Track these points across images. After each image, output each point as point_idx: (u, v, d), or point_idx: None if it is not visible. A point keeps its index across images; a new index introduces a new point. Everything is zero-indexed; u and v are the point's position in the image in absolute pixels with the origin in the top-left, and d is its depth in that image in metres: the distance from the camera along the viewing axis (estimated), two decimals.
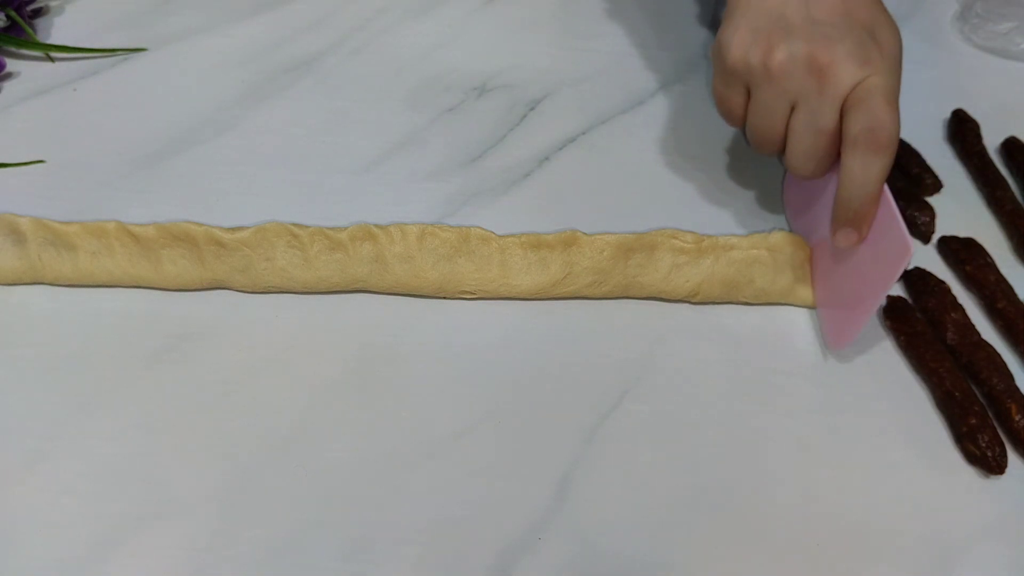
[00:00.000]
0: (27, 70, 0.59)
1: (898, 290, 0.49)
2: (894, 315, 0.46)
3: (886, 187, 0.42)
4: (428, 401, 0.43)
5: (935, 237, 0.52)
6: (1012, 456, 0.42)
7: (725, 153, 0.56)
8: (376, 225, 0.46)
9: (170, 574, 0.37)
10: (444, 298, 0.47)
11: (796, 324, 0.47)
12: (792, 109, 0.43)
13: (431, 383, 0.44)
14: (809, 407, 0.44)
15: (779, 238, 0.47)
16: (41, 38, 0.61)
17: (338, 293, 0.47)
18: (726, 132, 0.58)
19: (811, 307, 0.48)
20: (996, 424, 0.42)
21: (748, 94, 0.45)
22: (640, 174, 0.54)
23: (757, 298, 0.47)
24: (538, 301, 0.47)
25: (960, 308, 0.47)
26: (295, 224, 0.46)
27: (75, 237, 0.45)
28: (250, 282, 0.46)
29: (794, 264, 0.47)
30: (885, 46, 0.42)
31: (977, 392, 0.44)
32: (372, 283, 0.46)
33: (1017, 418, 0.42)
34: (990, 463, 0.41)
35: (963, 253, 0.50)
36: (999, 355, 0.45)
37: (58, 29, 0.63)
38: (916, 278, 0.48)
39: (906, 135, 0.56)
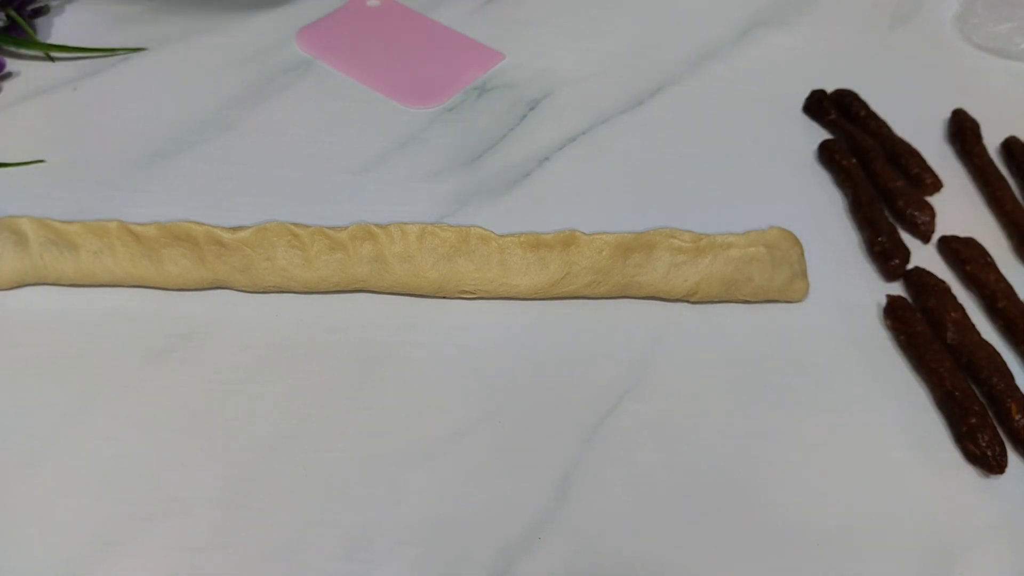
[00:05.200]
0: (27, 70, 0.59)
1: (898, 290, 0.49)
2: (894, 315, 0.46)
3: None
4: (428, 401, 0.43)
5: (935, 237, 0.52)
6: (1012, 456, 0.42)
7: (724, 153, 0.56)
8: (376, 225, 0.46)
9: (170, 574, 0.37)
10: (444, 298, 0.47)
11: (796, 324, 0.47)
12: None
13: (431, 383, 0.44)
14: (809, 407, 0.44)
15: (775, 235, 0.47)
16: (41, 38, 0.61)
17: (338, 293, 0.47)
18: (725, 132, 0.58)
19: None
20: (996, 424, 0.42)
21: None
22: (640, 174, 0.54)
23: (755, 295, 0.47)
24: (537, 301, 0.47)
25: (960, 308, 0.47)
26: (295, 224, 0.46)
27: (77, 236, 0.45)
28: (251, 282, 0.46)
29: (791, 260, 0.47)
30: None
31: (977, 392, 0.44)
32: (372, 283, 0.46)
33: (1017, 418, 0.42)
34: (990, 463, 0.41)
35: (963, 253, 0.50)
36: (999, 355, 0.45)
37: (58, 29, 0.63)
38: (916, 278, 0.48)
39: (906, 135, 0.57)
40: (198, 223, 0.46)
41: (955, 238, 0.51)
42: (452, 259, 0.46)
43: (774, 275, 0.47)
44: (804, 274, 0.48)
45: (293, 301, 0.46)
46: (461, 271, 0.46)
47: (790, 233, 0.48)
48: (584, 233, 0.46)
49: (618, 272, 0.46)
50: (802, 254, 0.48)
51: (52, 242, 0.45)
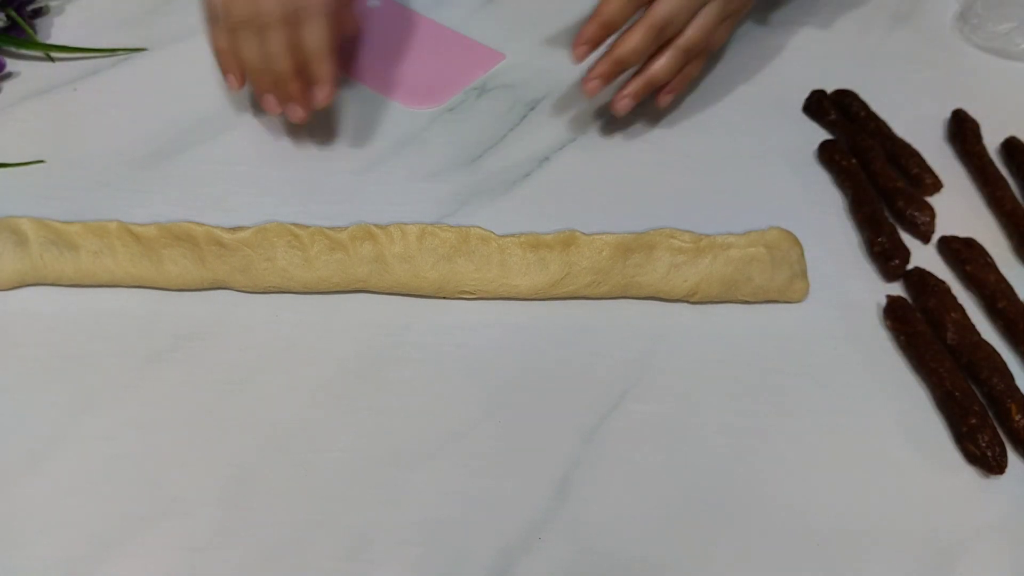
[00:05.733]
0: (27, 70, 0.59)
1: (898, 290, 0.49)
2: (894, 315, 0.46)
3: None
4: (428, 401, 0.43)
5: (935, 237, 0.52)
6: (1012, 456, 0.42)
7: (724, 153, 0.56)
8: (376, 225, 0.46)
9: (170, 574, 0.37)
10: (444, 298, 0.47)
11: (796, 324, 0.47)
12: None
13: (431, 383, 0.44)
14: (809, 407, 0.44)
15: (775, 235, 0.47)
16: (41, 38, 0.61)
17: (338, 293, 0.47)
18: (725, 132, 0.58)
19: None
20: (996, 424, 0.42)
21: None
22: (639, 174, 0.54)
23: (755, 296, 0.47)
24: (538, 301, 0.47)
25: (960, 308, 0.47)
26: (295, 224, 0.46)
27: (77, 236, 0.45)
28: (251, 282, 0.46)
29: (791, 260, 0.47)
30: None
31: (977, 392, 0.44)
32: (372, 283, 0.46)
33: (1017, 418, 0.42)
34: (990, 463, 0.41)
35: (963, 253, 0.50)
36: (999, 355, 0.45)
37: (58, 29, 0.63)
38: (916, 278, 0.48)
39: (906, 135, 0.57)
40: (198, 223, 0.46)
41: (955, 238, 0.51)
42: (452, 259, 0.46)
43: (774, 275, 0.47)
44: (804, 274, 0.48)
45: (293, 301, 0.46)
46: (461, 271, 0.46)
47: (790, 233, 0.48)
48: (584, 233, 0.46)
49: (618, 272, 0.46)
50: (802, 254, 0.48)
51: (52, 242, 0.45)
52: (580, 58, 0.51)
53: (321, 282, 0.46)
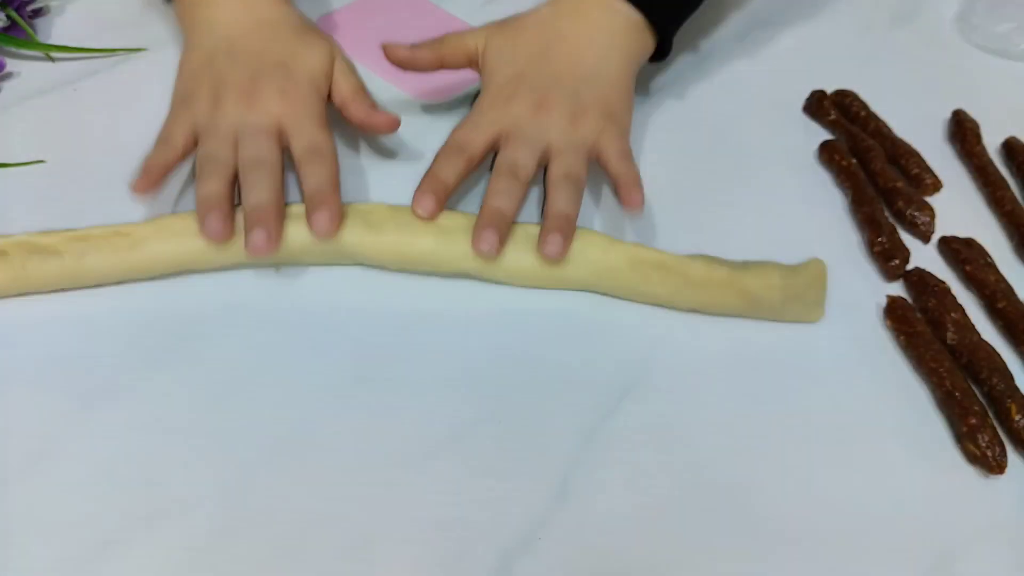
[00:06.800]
0: (27, 70, 0.59)
1: (898, 290, 0.49)
2: (894, 315, 0.46)
3: None
4: (428, 401, 0.43)
5: (935, 237, 0.52)
6: (1012, 456, 0.42)
7: (724, 153, 0.56)
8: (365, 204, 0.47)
9: (170, 574, 0.37)
10: (441, 276, 0.47)
11: (796, 324, 0.47)
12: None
13: (431, 382, 0.44)
14: (809, 407, 0.44)
15: (804, 282, 0.46)
16: (41, 38, 0.61)
17: (337, 294, 0.47)
18: (725, 132, 0.58)
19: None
20: (996, 424, 0.42)
21: None
22: (639, 175, 0.54)
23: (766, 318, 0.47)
24: (538, 298, 0.47)
25: (960, 308, 0.47)
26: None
27: (59, 244, 0.44)
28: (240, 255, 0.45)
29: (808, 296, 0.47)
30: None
31: (977, 392, 0.44)
32: (365, 246, 0.46)
33: (1017, 418, 0.42)
34: (990, 463, 0.41)
35: (963, 253, 0.50)
36: (999, 355, 0.45)
37: (58, 29, 0.63)
38: (916, 278, 0.48)
39: (906, 135, 0.57)
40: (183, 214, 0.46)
41: (955, 238, 0.51)
42: (451, 232, 0.46)
43: (785, 314, 0.47)
44: (819, 304, 0.47)
45: (292, 302, 0.46)
46: (460, 245, 0.45)
47: (820, 277, 0.47)
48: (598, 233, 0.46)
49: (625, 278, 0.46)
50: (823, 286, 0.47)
51: (33, 252, 0.44)
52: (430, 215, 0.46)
53: (313, 247, 0.46)
